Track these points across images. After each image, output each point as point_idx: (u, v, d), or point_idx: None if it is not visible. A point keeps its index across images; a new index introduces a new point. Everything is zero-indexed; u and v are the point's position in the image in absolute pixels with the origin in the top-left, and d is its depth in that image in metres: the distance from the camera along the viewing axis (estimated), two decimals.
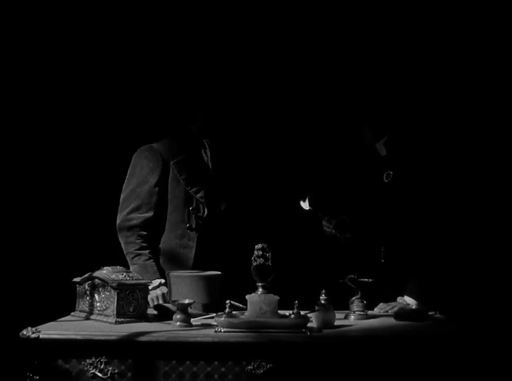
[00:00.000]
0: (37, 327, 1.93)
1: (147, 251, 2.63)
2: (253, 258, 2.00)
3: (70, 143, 3.49)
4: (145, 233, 2.65)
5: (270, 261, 1.99)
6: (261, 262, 1.98)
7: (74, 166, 3.48)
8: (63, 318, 2.21)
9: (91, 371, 1.89)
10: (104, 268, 2.21)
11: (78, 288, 2.25)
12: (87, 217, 3.43)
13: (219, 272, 2.36)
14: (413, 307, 2.42)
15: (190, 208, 2.69)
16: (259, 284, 2.00)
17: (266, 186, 3.51)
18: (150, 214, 2.66)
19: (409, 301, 2.45)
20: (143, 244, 2.63)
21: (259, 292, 2.00)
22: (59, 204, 3.46)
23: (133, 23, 3.45)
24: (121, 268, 2.24)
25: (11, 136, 3.43)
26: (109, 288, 2.12)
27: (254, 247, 2.01)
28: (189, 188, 2.70)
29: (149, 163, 2.69)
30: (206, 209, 2.69)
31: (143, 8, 3.45)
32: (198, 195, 2.70)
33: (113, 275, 2.13)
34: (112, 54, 3.47)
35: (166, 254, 2.69)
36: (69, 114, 3.49)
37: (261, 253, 1.98)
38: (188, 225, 2.68)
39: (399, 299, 2.49)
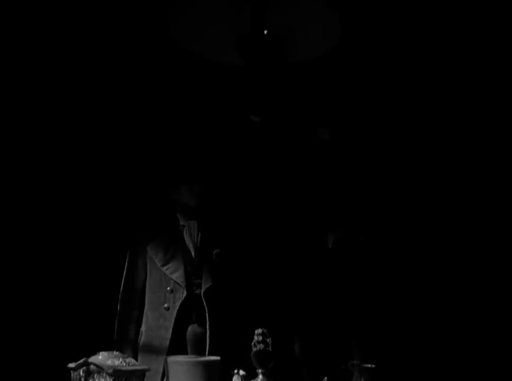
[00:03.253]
0: None
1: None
2: (253, 343, 1.97)
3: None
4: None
5: (270, 346, 1.95)
6: (261, 348, 1.94)
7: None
8: None
9: None
10: (101, 353, 2.16)
11: (72, 374, 2.18)
12: (82, 300, 3.38)
13: (218, 357, 2.30)
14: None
15: (168, 288, 2.69)
16: (260, 370, 1.95)
17: (257, 268, 3.48)
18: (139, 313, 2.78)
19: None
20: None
21: (259, 379, 1.94)
22: (54, 285, 3.42)
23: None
24: (118, 353, 2.19)
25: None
26: (104, 374, 2.06)
27: (254, 332, 1.98)
28: (165, 268, 2.71)
29: (132, 262, 2.81)
30: (184, 291, 2.69)
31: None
32: (174, 275, 2.70)
33: (109, 361, 2.08)
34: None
35: (145, 335, 2.72)
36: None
37: (261, 338, 1.95)
38: (165, 305, 2.67)
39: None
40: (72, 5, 2.87)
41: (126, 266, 2.82)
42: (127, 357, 2.20)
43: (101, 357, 2.12)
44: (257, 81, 2.82)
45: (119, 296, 2.79)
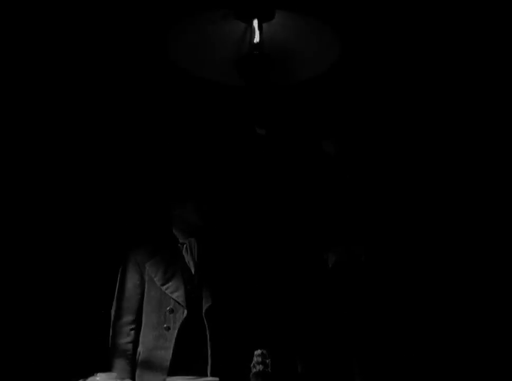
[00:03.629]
0: None
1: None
2: (252, 364, 1.94)
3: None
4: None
5: (269, 367, 1.93)
6: (260, 369, 1.92)
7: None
8: None
9: None
10: (98, 374, 2.14)
11: None
12: (78, 320, 3.35)
13: (217, 379, 2.28)
14: None
15: (168, 308, 2.66)
16: None
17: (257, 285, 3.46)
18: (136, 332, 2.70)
19: None
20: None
21: None
22: (49, 305, 3.38)
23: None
24: (115, 374, 2.18)
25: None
26: None
27: (254, 353, 1.96)
28: (165, 288, 2.69)
29: (125, 280, 2.73)
30: (185, 310, 2.66)
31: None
32: (174, 295, 2.68)
33: None
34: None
35: (143, 356, 2.65)
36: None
37: (261, 359, 1.93)
38: (165, 325, 2.64)
39: None
40: (71, 21, 2.88)
41: (118, 284, 2.73)
42: (125, 379, 2.19)
43: (98, 379, 2.10)
44: (259, 99, 2.83)
45: (112, 317, 2.70)
